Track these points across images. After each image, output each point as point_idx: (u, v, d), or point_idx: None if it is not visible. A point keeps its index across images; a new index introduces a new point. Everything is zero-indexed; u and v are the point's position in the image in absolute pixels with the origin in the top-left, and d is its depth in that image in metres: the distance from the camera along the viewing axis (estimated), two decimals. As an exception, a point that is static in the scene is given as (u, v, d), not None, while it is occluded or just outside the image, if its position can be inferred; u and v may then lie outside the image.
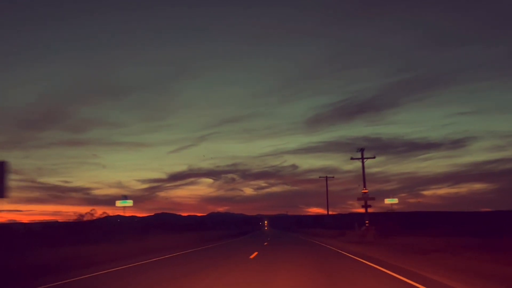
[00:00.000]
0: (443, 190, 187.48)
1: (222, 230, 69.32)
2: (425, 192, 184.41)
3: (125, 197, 38.94)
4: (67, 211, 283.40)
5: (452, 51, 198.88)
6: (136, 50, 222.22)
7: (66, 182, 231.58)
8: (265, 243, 30.11)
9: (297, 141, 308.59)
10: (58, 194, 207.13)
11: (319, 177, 57.13)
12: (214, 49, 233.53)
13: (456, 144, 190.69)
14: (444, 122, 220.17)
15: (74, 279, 10.13)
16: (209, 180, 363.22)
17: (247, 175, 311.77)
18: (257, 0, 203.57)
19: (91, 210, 33.02)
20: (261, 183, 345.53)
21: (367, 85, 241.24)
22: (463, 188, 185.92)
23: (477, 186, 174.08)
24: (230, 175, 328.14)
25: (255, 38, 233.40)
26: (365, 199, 34.37)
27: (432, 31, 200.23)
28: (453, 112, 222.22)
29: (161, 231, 38.42)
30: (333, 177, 57.04)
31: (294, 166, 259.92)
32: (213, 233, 51.05)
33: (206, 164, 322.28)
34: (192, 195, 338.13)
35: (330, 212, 59.38)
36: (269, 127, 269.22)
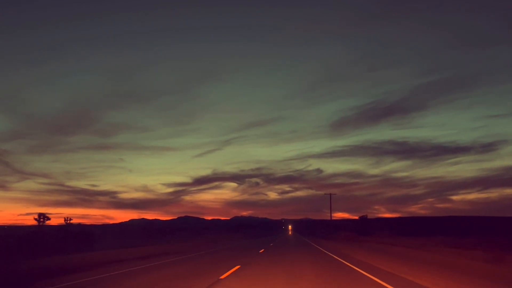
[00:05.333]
0: (473, 195, 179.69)
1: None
2: (454, 197, 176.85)
3: None
4: (95, 214, 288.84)
5: (482, 51, 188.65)
6: (162, 54, 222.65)
7: (94, 185, 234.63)
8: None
9: (322, 145, 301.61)
10: (86, 197, 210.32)
11: (324, 193, 56.13)
12: (239, 51, 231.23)
13: (487, 147, 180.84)
14: (474, 125, 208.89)
15: None
16: (234, 184, 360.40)
17: (271, 179, 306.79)
18: (282, 1, 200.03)
19: None
20: (285, 187, 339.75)
21: (394, 87, 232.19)
22: (494, 193, 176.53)
23: (508, 191, 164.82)
24: (254, 179, 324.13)
25: (280, 40, 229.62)
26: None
27: (462, 31, 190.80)
28: (483, 114, 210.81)
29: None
30: (335, 194, 60.93)
31: (318, 170, 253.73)
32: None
33: (230, 168, 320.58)
34: (216, 199, 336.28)
35: (354, 217, 55.75)
36: (294, 131, 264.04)
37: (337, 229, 69.98)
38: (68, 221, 32.84)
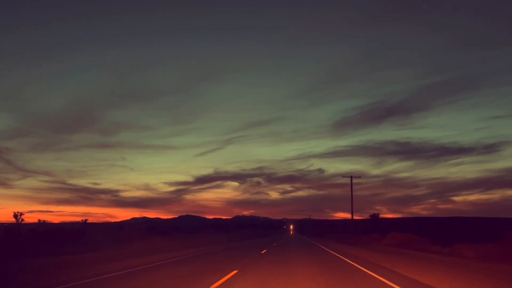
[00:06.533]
0: (475, 196, 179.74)
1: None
2: (456, 198, 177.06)
3: None
4: (97, 212, 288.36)
5: (485, 52, 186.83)
6: (164, 53, 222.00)
7: (95, 184, 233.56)
8: None
9: (324, 144, 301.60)
10: (88, 195, 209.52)
11: (343, 176, 50.37)
12: (241, 51, 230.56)
13: (489, 148, 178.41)
14: (477, 126, 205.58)
15: None
16: (235, 184, 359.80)
17: (273, 179, 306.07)
18: (283, 1, 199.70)
19: None
20: (287, 187, 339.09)
21: (397, 88, 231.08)
22: (496, 194, 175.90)
23: (511, 192, 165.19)
24: (255, 179, 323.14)
25: (281, 40, 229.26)
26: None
27: (464, 32, 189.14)
28: (486, 115, 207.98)
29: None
30: (359, 177, 50.78)
31: (320, 170, 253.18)
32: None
33: (232, 168, 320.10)
34: (218, 198, 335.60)
35: (356, 218, 50.70)
36: (296, 131, 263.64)
37: (346, 230, 58.09)
38: (20, 217, 27.53)
